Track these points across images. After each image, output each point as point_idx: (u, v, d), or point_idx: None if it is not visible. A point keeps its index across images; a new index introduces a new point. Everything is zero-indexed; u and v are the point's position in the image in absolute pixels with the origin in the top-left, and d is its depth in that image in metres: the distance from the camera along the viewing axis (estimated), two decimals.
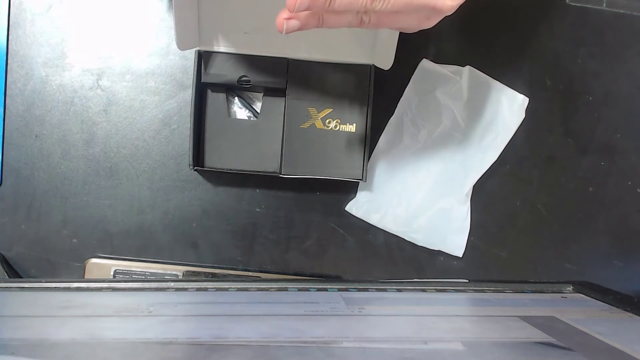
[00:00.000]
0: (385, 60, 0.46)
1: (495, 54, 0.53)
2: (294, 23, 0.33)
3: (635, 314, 0.36)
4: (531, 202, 0.55)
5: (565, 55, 0.54)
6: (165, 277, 0.50)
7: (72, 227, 0.51)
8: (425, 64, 0.52)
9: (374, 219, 0.52)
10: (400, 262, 0.53)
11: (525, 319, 0.34)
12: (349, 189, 0.53)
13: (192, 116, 0.47)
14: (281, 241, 0.52)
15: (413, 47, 0.51)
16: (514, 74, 0.53)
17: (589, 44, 0.54)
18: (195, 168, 0.47)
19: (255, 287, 0.40)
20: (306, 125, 0.49)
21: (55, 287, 0.40)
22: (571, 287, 0.43)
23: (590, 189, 0.55)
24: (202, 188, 0.52)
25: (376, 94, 0.49)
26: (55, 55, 0.50)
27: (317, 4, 0.31)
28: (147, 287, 0.40)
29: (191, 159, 0.47)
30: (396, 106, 0.52)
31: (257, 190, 0.52)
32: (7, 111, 0.50)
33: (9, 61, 0.49)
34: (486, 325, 0.34)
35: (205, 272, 0.50)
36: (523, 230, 0.55)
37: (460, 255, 0.53)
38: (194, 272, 0.50)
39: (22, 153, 0.50)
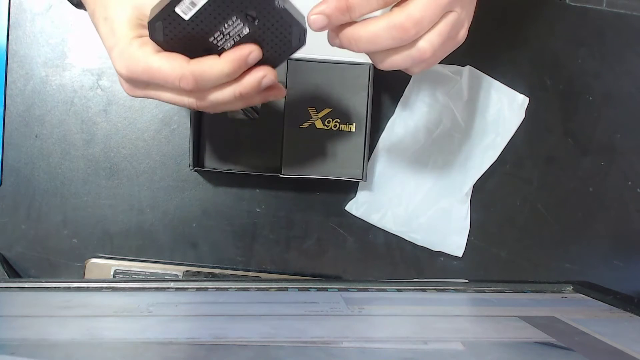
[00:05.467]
0: None
1: (495, 54, 0.53)
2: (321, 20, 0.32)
3: (635, 314, 0.36)
4: (531, 202, 0.55)
5: (565, 55, 0.54)
6: (165, 277, 0.50)
7: (72, 227, 0.51)
8: None
9: (374, 219, 0.52)
10: (400, 262, 0.53)
11: (525, 319, 0.34)
12: (349, 189, 0.53)
13: (192, 116, 0.47)
14: (281, 241, 0.52)
15: None
16: (514, 74, 0.53)
17: (589, 44, 0.54)
18: (195, 169, 0.47)
19: (255, 287, 0.40)
20: (306, 125, 0.49)
21: (55, 287, 0.39)
22: (571, 287, 0.43)
23: (590, 189, 0.55)
24: (202, 188, 0.52)
25: (376, 93, 0.49)
26: (55, 55, 0.50)
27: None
28: (147, 287, 0.40)
29: (191, 159, 0.47)
30: (396, 106, 0.52)
31: (257, 190, 0.52)
32: (7, 111, 0.50)
33: (9, 61, 0.49)
34: (486, 325, 0.34)
35: (205, 272, 0.50)
36: (523, 230, 0.55)
37: (460, 255, 0.53)
38: (194, 272, 0.50)
39: (22, 153, 0.50)
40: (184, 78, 0.32)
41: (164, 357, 0.28)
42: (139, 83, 0.33)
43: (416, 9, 0.31)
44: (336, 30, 0.33)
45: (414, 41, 0.32)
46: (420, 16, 0.31)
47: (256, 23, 0.32)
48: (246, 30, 0.32)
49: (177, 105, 0.34)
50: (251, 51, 0.32)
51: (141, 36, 0.32)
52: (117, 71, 0.33)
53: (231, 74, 0.32)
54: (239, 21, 0.32)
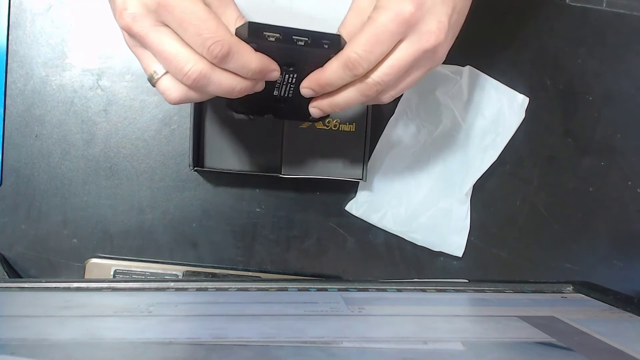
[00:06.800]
0: None
1: (495, 54, 0.53)
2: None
3: (635, 314, 0.36)
4: (531, 202, 0.55)
5: (565, 55, 0.54)
6: (165, 277, 0.50)
7: (72, 227, 0.51)
8: None
9: (374, 219, 0.52)
10: (400, 262, 0.53)
11: (525, 319, 0.34)
12: (349, 189, 0.53)
13: (192, 116, 0.47)
14: (281, 241, 0.52)
15: None
16: (514, 74, 0.53)
17: (589, 44, 0.54)
18: (195, 168, 0.47)
19: (255, 287, 0.40)
20: (306, 125, 0.49)
21: (55, 287, 0.40)
22: (571, 287, 0.43)
23: (590, 189, 0.55)
24: (202, 188, 0.52)
25: None
26: (55, 55, 0.50)
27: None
28: (147, 287, 0.40)
29: (191, 159, 0.47)
30: (396, 106, 0.52)
31: (257, 190, 0.52)
32: (7, 111, 0.50)
33: (9, 61, 0.49)
34: (486, 325, 0.34)
35: (205, 272, 0.50)
36: (523, 230, 0.55)
37: (460, 255, 0.53)
38: (194, 272, 0.50)
39: (22, 153, 0.50)
40: (220, 42, 0.30)
41: (164, 357, 0.28)
42: (159, 16, 0.31)
43: (359, 43, 0.33)
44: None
45: (366, 74, 0.34)
46: (364, 50, 0.33)
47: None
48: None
49: (169, 64, 0.32)
50: (274, 70, 0.34)
51: None
52: None
53: (253, 70, 0.33)
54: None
